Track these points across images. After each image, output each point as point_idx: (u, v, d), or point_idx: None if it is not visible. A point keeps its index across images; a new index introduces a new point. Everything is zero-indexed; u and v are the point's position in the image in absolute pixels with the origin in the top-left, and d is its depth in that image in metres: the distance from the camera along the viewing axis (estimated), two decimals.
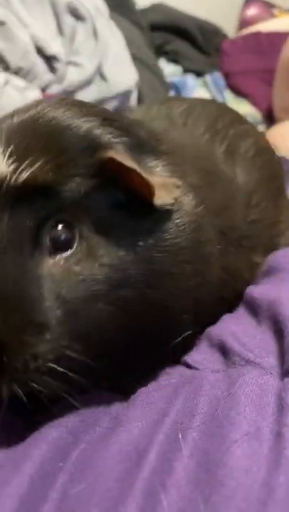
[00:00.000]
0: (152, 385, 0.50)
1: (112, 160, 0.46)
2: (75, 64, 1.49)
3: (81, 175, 0.46)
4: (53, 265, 0.44)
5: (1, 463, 0.40)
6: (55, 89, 1.44)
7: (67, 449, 0.42)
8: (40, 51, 1.42)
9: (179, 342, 0.51)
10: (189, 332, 0.52)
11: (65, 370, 0.43)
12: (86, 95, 1.46)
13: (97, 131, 0.48)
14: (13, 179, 0.43)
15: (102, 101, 1.48)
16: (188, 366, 0.53)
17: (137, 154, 0.50)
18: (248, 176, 0.70)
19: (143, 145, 0.52)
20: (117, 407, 0.48)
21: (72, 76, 1.48)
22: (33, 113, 0.49)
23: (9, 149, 0.44)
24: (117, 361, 0.47)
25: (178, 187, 0.50)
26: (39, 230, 0.45)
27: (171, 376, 0.51)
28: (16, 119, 0.48)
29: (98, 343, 0.45)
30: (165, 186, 0.49)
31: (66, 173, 0.45)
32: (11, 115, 0.50)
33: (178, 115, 0.77)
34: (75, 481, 0.38)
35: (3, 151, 0.45)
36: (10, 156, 0.44)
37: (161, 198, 0.48)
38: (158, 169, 0.52)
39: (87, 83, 1.51)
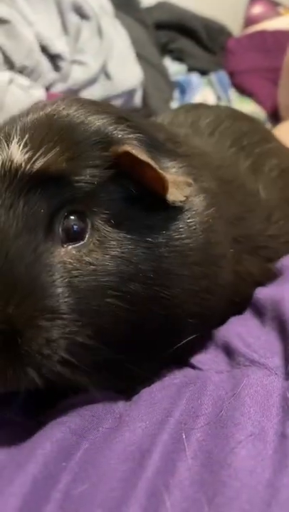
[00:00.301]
0: (156, 385, 0.50)
1: (127, 154, 0.46)
2: (80, 62, 1.49)
3: (95, 166, 0.46)
4: (64, 254, 0.45)
5: (4, 463, 0.40)
6: (59, 88, 1.44)
7: (71, 449, 0.41)
8: (44, 50, 1.42)
9: (185, 344, 0.51)
10: (195, 335, 0.52)
11: (74, 361, 0.43)
12: (91, 94, 1.46)
13: (111, 128, 0.49)
14: (28, 167, 0.44)
15: (107, 99, 1.47)
16: (192, 367, 0.53)
17: (151, 152, 0.50)
18: (270, 194, 0.71)
19: (159, 146, 0.53)
20: (120, 407, 0.48)
21: (77, 75, 1.48)
22: (47, 110, 0.50)
23: (24, 139, 0.46)
24: (122, 358, 0.47)
25: (189, 185, 0.51)
26: (52, 219, 0.45)
27: (175, 376, 0.51)
28: (30, 116, 0.49)
29: (107, 334, 0.46)
30: (176, 184, 0.49)
31: (80, 163, 0.46)
32: (26, 113, 0.50)
33: (205, 125, 0.78)
34: (79, 481, 0.38)
35: (18, 140, 0.46)
36: (25, 146, 0.45)
37: (173, 195, 0.48)
38: (173, 170, 0.52)
39: (91, 82, 1.51)
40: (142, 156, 0.46)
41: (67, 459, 0.40)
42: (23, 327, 0.41)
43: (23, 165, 0.44)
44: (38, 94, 1.31)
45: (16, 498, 0.36)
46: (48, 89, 1.41)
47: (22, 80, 1.32)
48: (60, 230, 0.46)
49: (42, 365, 0.42)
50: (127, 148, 0.46)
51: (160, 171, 0.46)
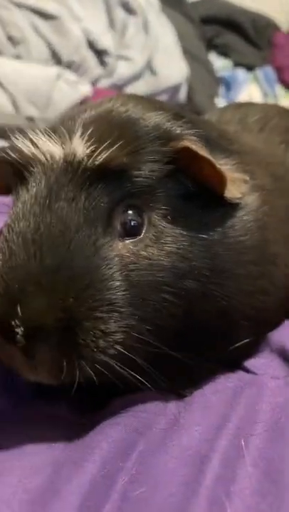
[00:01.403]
0: (208, 388, 0.49)
1: (186, 149, 0.46)
2: (126, 58, 1.49)
3: (154, 162, 0.46)
4: (122, 248, 0.45)
5: (61, 459, 0.40)
6: (104, 84, 1.44)
7: (127, 449, 0.41)
8: (91, 45, 1.43)
9: (239, 347, 0.50)
10: (249, 340, 0.50)
11: (129, 354, 0.43)
12: (135, 89, 1.45)
13: (169, 124, 0.49)
14: (90, 161, 0.45)
15: (152, 95, 1.47)
16: (246, 370, 0.51)
17: (208, 149, 0.49)
18: None
19: (213, 143, 0.52)
20: (172, 408, 0.47)
21: (122, 70, 1.48)
22: (105, 107, 0.50)
23: (86, 134, 0.46)
24: (176, 355, 0.46)
25: (245, 182, 0.50)
26: (111, 213, 0.46)
27: (228, 380, 0.50)
28: (88, 113, 0.50)
29: (161, 331, 0.45)
30: (233, 180, 0.49)
31: (140, 158, 0.46)
32: (84, 110, 0.51)
33: (253, 122, 0.77)
34: (136, 483, 0.37)
35: (82, 134, 0.46)
36: (87, 140, 0.46)
37: (231, 192, 0.48)
38: (227, 167, 0.51)
39: (136, 77, 1.50)
40: (202, 152, 0.46)
41: (123, 459, 0.40)
42: (81, 318, 0.42)
43: (85, 159, 0.45)
44: (85, 89, 1.32)
45: (75, 496, 0.35)
46: (93, 84, 1.41)
47: (69, 75, 1.33)
48: (119, 224, 0.46)
49: (97, 357, 0.42)
50: (187, 143, 0.46)
51: (219, 167, 0.46)
